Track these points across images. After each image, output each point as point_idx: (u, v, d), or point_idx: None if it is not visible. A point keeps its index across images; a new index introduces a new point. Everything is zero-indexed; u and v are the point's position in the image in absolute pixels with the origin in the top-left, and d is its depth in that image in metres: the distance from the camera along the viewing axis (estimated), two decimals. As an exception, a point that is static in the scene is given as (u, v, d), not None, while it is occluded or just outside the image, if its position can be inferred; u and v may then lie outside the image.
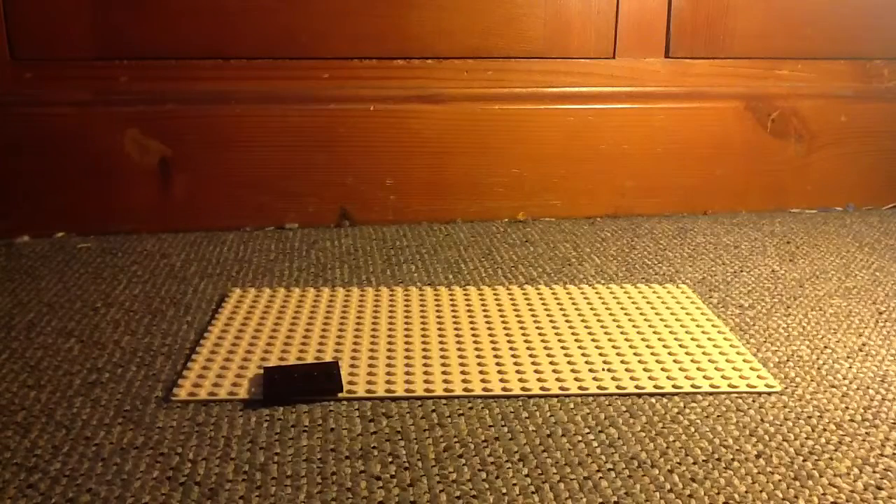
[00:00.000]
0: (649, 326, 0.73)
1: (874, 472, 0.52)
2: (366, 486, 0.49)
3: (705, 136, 1.10)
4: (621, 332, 0.72)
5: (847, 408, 0.60)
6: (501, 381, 0.63)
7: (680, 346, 0.70)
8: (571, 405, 0.60)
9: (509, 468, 0.52)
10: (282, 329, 0.72)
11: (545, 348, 0.69)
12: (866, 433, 0.57)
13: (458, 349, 0.69)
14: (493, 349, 0.68)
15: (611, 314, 0.76)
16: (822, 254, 0.95)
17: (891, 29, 1.12)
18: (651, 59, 1.08)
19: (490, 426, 0.57)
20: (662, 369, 0.65)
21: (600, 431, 0.56)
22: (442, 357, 0.67)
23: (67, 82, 0.96)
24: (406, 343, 0.70)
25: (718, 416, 0.59)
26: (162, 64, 0.98)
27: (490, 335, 0.71)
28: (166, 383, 0.63)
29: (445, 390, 0.61)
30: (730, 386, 0.63)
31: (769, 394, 0.62)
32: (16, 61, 0.95)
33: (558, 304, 0.78)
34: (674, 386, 0.63)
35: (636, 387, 0.62)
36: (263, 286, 0.83)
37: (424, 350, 0.68)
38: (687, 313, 0.77)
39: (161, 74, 0.98)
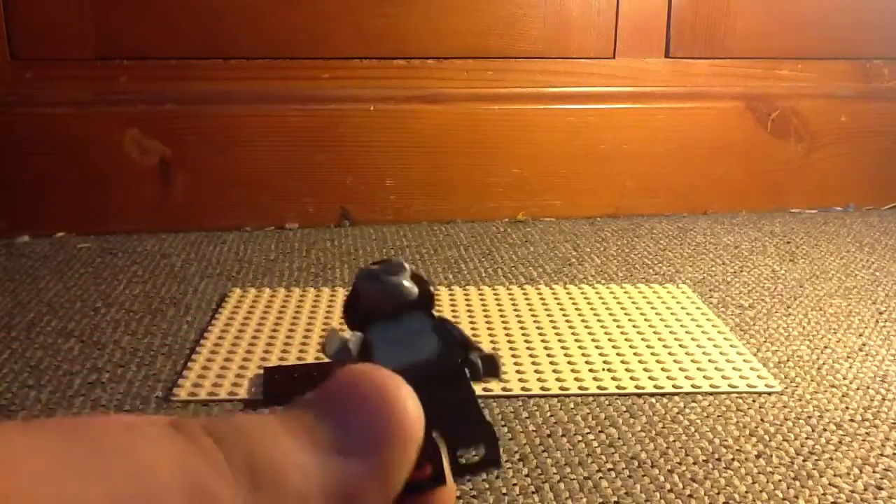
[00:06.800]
0: (649, 326, 0.73)
1: (874, 472, 0.52)
2: (366, 486, 0.49)
3: (705, 136, 1.10)
4: (621, 332, 0.72)
5: (847, 408, 0.60)
6: (501, 381, 0.63)
7: (680, 346, 0.70)
8: (571, 405, 0.60)
9: (509, 468, 0.52)
10: (282, 329, 0.72)
11: (545, 348, 0.69)
12: (866, 433, 0.57)
13: (458, 349, 0.68)
14: (494, 349, 0.68)
15: (611, 314, 0.76)
16: (822, 254, 0.95)
17: (891, 29, 1.12)
18: (651, 59, 1.08)
19: (490, 426, 0.57)
20: (662, 369, 0.65)
21: (600, 431, 0.56)
22: (442, 357, 0.67)
23: (67, 82, 0.96)
24: (406, 343, 0.70)
25: (718, 416, 0.59)
26: (162, 64, 0.98)
27: (490, 335, 0.71)
28: (166, 383, 0.63)
29: (445, 390, 0.61)
30: (730, 386, 0.63)
31: (769, 394, 0.62)
32: (16, 61, 0.95)
33: (558, 304, 0.78)
34: (674, 386, 0.63)
35: (636, 387, 0.62)
36: (263, 286, 0.83)
37: (424, 350, 0.68)
38: (687, 313, 0.77)
39: (161, 74, 0.98)
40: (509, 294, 0.81)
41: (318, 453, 0.16)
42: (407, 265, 0.24)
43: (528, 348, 0.69)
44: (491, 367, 0.23)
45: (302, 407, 0.17)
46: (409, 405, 0.17)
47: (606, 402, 0.60)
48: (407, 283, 0.23)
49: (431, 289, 0.24)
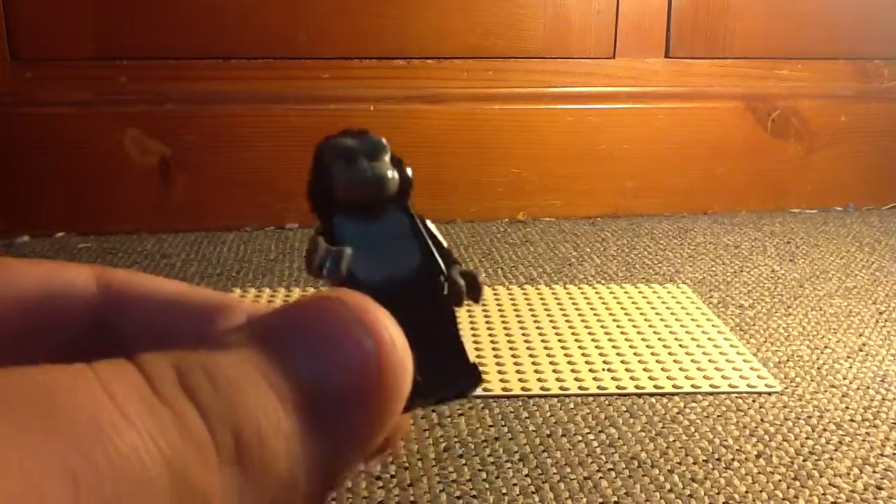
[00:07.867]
0: (649, 326, 0.73)
1: (874, 472, 0.52)
2: (366, 486, 0.49)
3: (705, 136, 1.10)
4: (621, 332, 0.72)
5: (847, 408, 0.60)
6: (501, 381, 0.63)
7: (680, 346, 0.70)
8: (571, 405, 0.60)
9: (509, 468, 0.52)
10: (282, 329, 0.72)
11: (545, 348, 0.69)
12: (866, 433, 0.57)
13: (458, 349, 0.68)
14: (493, 349, 0.68)
15: (611, 314, 0.76)
16: (822, 254, 0.95)
17: (891, 29, 1.12)
18: (651, 59, 1.08)
19: (490, 426, 0.57)
20: (662, 369, 0.65)
21: (600, 431, 0.56)
22: (442, 357, 0.67)
23: (67, 82, 0.96)
24: (406, 343, 0.70)
25: (718, 416, 0.59)
26: (162, 64, 0.98)
27: (490, 335, 0.71)
28: (166, 383, 0.63)
29: (445, 390, 0.61)
30: (730, 386, 0.63)
31: (769, 394, 0.62)
32: (16, 61, 0.95)
33: (558, 304, 0.78)
34: (674, 386, 0.63)
35: (636, 387, 0.62)
36: (263, 286, 0.83)
37: (424, 350, 0.68)
38: (687, 313, 0.77)
39: (161, 74, 0.98)
40: (509, 294, 0.81)
41: (301, 419, 0.15)
42: (386, 143, 0.20)
43: (528, 348, 0.69)
44: (474, 288, 0.19)
45: (279, 344, 0.15)
46: (406, 364, 0.16)
47: (606, 402, 0.60)
48: (391, 172, 0.20)
49: (410, 175, 0.20)
